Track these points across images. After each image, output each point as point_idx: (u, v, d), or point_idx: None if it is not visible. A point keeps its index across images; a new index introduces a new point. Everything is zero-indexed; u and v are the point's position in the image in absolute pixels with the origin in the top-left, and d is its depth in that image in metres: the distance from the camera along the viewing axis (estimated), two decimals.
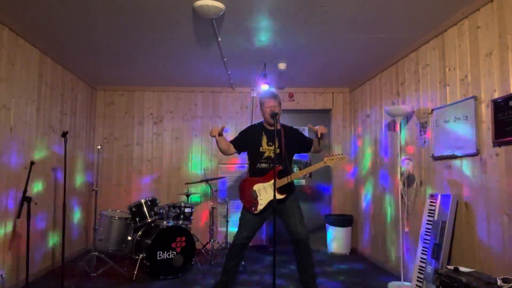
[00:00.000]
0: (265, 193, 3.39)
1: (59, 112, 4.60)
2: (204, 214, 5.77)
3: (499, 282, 2.37)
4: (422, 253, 3.38)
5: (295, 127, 3.69)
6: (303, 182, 5.85)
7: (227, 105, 6.00)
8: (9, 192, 3.54)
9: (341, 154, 3.44)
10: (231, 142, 3.61)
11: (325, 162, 3.37)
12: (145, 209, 4.35)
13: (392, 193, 4.41)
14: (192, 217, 4.61)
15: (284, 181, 3.35)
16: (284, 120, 3.65)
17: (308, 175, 5.74)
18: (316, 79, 5.56)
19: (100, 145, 4.68)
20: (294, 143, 3.53)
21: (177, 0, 3.06)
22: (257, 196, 3.40)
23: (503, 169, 2.72)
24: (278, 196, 3.33)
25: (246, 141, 3.61)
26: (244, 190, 3.49)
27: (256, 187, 3.42)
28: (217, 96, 6.01)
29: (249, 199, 3.43)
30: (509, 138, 2.64)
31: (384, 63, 4.60)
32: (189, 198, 4.99)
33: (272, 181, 3.20)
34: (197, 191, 5.54)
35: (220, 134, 3.46)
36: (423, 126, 3.79)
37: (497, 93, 2.79)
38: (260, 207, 3.39)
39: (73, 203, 5.02)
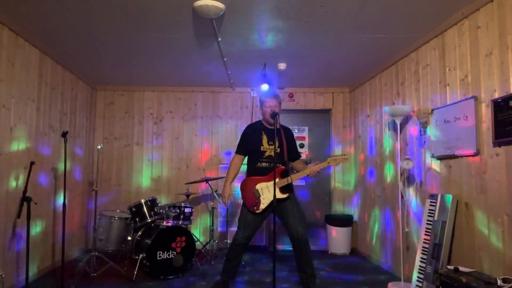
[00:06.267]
0: (267, 192, 3.39)
1: (59, 112, 4.60)
2: (204, 214, 5.78)
3: (499, 282, 2.38)
4: (422, 253, 3.38)
5: (295, 126, 3.68)
6: (303, 182, 5.84)
7: (227, 105, 6.00)
8: (9, 192, 3.54)
9: (344, 155, 3.43)
10: (240, 154, 3.63)
11: (328, 163, 3.36)
12: (145, 209, 4.36)
13: (392, 193, 4.41)
14: (192, 217, 4.61)
15: (285, 181, 3.36)
16: (284, 120, 3.65)
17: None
18: (316, 79, 5.56)
19: (100, 145, 4.68)
20: (289, 145, 3.53)
21: (177, 0, 3.07)
22: (260, 195, 3.40)
23: (503, 169, 2.72)
24: (281, 196, 3.36)
25: (249, 143, 3.59)
26: (246, 189, 3.49)
27: (259, 186, 3.42)
28: (217, 96, 6.01)
29: (252, 198, 3.43)
30: (509, 138, 2.64)
31: (384, 63, 4.59)
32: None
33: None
34: (197, 191, 5.55)
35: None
36: (423, 126, 3.79)
37: (497, 93, 2.79)
38: (263, 206, 3.39)
39: (73, 203, 5.02)
